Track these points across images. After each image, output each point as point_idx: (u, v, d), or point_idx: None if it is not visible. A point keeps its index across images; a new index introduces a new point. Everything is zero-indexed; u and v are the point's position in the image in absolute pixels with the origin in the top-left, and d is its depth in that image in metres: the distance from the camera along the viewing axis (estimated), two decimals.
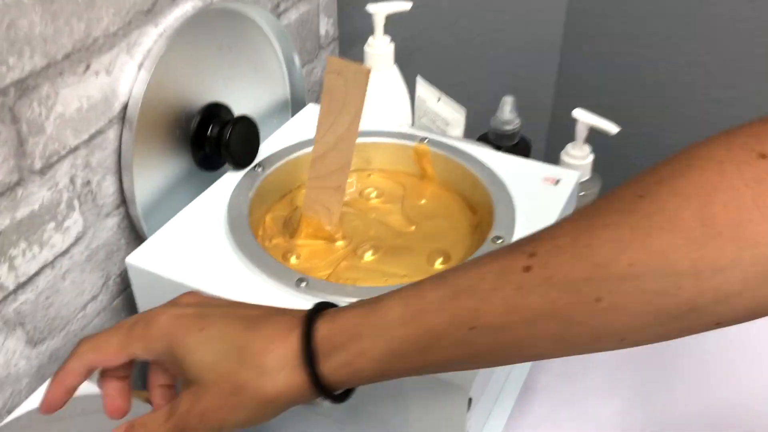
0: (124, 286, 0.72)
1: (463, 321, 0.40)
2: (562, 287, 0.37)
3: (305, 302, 0.60)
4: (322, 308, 0.44)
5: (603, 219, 0.38)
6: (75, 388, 0.45)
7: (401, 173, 0.80)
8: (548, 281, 0.38)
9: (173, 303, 0.46)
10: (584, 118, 0.83)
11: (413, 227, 0.73)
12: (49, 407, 0.44)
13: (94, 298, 0.68)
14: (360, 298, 0.59)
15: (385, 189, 0.78)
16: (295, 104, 0.87)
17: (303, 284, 0.61)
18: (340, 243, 0.71)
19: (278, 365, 0.41)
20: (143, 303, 0.68)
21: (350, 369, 0.42)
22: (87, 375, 0.45)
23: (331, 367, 0.42)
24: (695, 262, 0.35)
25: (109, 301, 0.70)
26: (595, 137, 0.84)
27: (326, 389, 0.42)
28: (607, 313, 0.37)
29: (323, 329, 0.42)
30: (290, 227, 0.73)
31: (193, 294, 0.48)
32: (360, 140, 0.69)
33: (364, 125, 0.67)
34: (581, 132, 0.84)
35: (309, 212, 0.71)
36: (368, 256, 0.70)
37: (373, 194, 0.78)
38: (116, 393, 0.46)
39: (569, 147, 0.85)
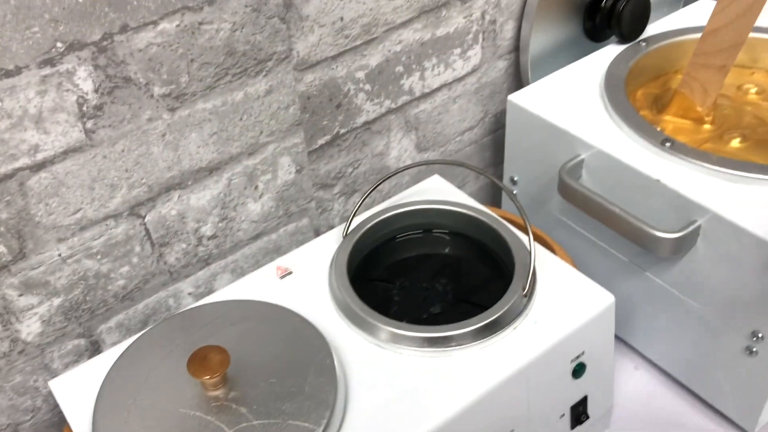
0: (496, 127, 0.81)
1: None
2: None
3: (668, 162, 0.64)
4: None
5: None
6: None
7: None
8: None
9: None
10: None
11: None
12: None
13: (470, 128, 0.79)
14: (727, 169, 0.61)
15: (767, 88, 0.76)
16: None
17: (668, 144, 0.64)
18: (707, 126, 0.72)
19: None
20: (512, 142, 0.77)
21: None
22: None
23: None
24: None
25: (481, 135, 0.80)
26: None
27: None
28: None
29: None
30: (660, 103, 0.76)
31: None
32: (751, 35, 0.69)
33: (763, 16, 0.66)
34: None
35: (685, 89, 0.72)
36: (735, 143, 0.70)
37: (753, 90, 0.76)
38: None
39: None
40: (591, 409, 0.63)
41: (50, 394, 0.61)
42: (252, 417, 0.50)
